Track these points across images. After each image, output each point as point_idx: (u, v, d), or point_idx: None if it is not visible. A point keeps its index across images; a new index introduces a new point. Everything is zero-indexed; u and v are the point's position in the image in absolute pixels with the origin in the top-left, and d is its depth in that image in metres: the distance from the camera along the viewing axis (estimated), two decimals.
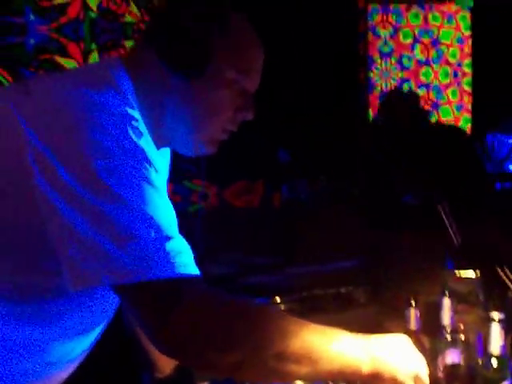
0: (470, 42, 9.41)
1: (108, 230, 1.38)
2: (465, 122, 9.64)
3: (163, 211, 1.45)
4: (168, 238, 1.41)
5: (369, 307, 2.54)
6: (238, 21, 1.62)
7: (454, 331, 2.07)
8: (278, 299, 2.44)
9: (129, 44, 5.57)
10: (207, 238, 3.05)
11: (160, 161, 1.69)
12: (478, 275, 2.24)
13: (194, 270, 1.43)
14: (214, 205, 3.98)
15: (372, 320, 2.52)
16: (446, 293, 2.19)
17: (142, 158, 1.46)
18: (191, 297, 1.41)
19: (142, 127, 1.52)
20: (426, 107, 9.69)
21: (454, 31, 9.35)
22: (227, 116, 1.68)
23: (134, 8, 5.53)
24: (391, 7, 9.05)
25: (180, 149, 1.76)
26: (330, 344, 1.50)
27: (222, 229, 3.37)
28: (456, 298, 2.20)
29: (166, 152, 1.88)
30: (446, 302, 2.19)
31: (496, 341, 1.95)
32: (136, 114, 1.52)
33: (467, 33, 9.39)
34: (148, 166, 1.46)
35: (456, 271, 2.28)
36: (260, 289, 2.53)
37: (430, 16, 9.45)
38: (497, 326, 1.94)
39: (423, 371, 1.66)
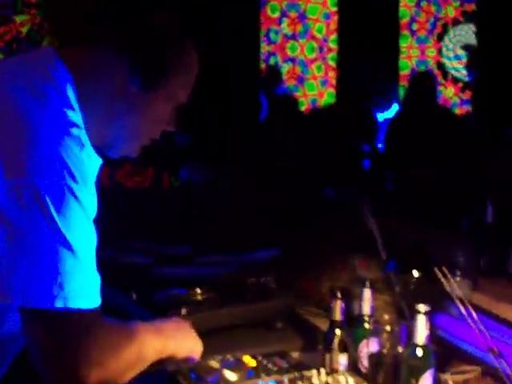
0: (336, 17, 9.63)
1: (27, 252, 1.41)
2: (329, 97, 9.88)
3: (84, 233, 1.48)
4: (84, 269, 1.47)
5: (284, 296, 2.60)
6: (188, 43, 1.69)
7: (375, 321, 2.16)
8: (198, 290, 2.46)
9: (20, 19, 5.36)
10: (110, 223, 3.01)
11: (94, 165, 1.66)
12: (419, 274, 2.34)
13: (97, 301, 1.51)
14: (106, 185, 3.90)
15: (288, 309, 2.58)
16: (367, 283, 2.28)
17: (74, 174, 1.46)
18: (94, 331, 1.49)
19: (84, 136, 1.53)
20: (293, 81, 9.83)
21: (321, 6, 9.52)
22: (159, 129, 1.76)
23: None
24: None
25: (112, 152, 1.75)
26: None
27: (118, 212, 3.31)
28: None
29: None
30: (367, 292, 2.28)
31: (422, 331, 2.05)
32: (77, 117, 1.53)
33: (334, 9, 9.59)
34: (79, 181, 1.47)
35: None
36: (177, 279, 2.53)
37: None
38: (423, 318, 2.04)
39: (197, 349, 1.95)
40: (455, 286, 2.30)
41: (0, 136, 1.44)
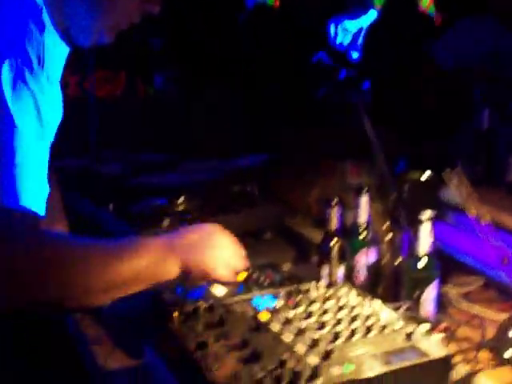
0: None
1: None
2: None
3: (32, 128, 1.34)
4: (31, 168, 1.32)
5: (272, 205, 2.44)
6: None
7: (372, 230, 2.01)
8: (181, 199, 2.28)
9: None
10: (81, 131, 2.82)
11: (59, 51, 1.52)
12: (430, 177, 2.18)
13: (43, 210, 1.33)
14: (76, 95, 3.69)
15: (275, 219, 2.43)
16: (364, 190, 2.12)
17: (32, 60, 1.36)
18: (33, 236, 1.31)
19: (45, 16, 1.43)
20: None
21: None
22: (133, 5, 1.56)
23: None
24: None
25: (77, 36, 1.56)
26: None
27: (89, 121, 3.12)
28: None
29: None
30: (364, 199, 2.12)
31: (425, 240, 1.91)
32: None
33: None
34: (36, 66, 1.36)
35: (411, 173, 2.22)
36: (157, 189, 2.35)
37: None
38: (427, 225, 1.90)
39: (236, 257, 1.67)
40: (457, 192, 2.15)
41: None
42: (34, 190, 1.32)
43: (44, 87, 1.38)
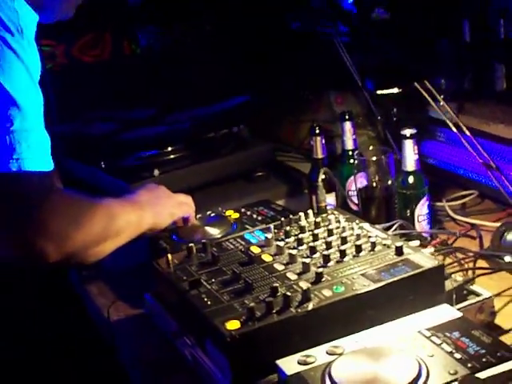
0: None
1: None
2: None
3: (27, 89, 1.38)
4: (33, 128, 1.37)
5: (262, 144, 2.44)
6: None
7: (360, 155, 2.01)
8: (169, 148, 2.28)
9: None
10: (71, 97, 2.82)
11: (30, 19, 1.51)
12: (399, 92, 2.16)
13: (50, 165, 1.40)
14: (63, 63, 3.66)
15: (267, 157, 2.43)
16: (346, 117, 2.12)
17: (8, 25, 1.38)
18: (51, 198, 1.38)
19: None
20: None
21: None
22: None
23: None
24: None
25: (45, 13, 1.58)
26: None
27: (79, 87, 3.11)
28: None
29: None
30: (348, 126, 2.12)
31: (410, 157, 1.91)
32: None
33: None
34: (15, 33, 1.38)
35: (378, 91, 2.20)
36: (146, 142, 2.35)
37: None
38: (410, 142, 1.90)
39: (187, 201, 1.85)
40: (443, 104, 2.13)
41: None
42: (41, 147, 1.38)
43: (27, 49, 1.40)
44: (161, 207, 1.75)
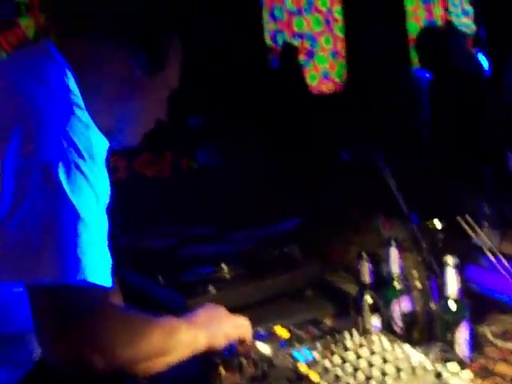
0: None
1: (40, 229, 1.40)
2: (340, 68, 9.79)
3: (94, 210, 1.49)
4: (98, 244, 1.47)
5: (311, 263, 2.56)
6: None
7: (404, 279, 2.12)
8: (224, 267, 2.43)
9: (23, 22, 5.37)
10: (132, 212, 3.00)
11: (101, 145, 1.69)
12: (443, 225, 2.29)
13: (109, 281, 1.48)
14: (125, 176, 3.89)
15: (316, 276, 2.55)
16: (392, 242, 2.24)
17: (81, 151, 1.49)
18: (102, 308, 1.46)
19: (87, 117, 1.57)
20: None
21: None
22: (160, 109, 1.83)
23: None
24: None
25: (115, 141, 1.77)
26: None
27: (140, 201, 3.30)
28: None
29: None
30: (393, 251, 2.24)
31: (452, 284, 2.01)
32: (79, 100, 1.58)
33: None
34: (87, 158, 1.49)
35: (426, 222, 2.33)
36: (203, 259, 2.50)
37: None
38: (452, 270, 2.00)
39: (244, 324, 1.92)
40: (483, 235, 2.25)
41: (5, 122, 1.47)
42: (102, 264, 1.47)
43: (97, 174, 1.53)
44: (217, 329, 1.82)
